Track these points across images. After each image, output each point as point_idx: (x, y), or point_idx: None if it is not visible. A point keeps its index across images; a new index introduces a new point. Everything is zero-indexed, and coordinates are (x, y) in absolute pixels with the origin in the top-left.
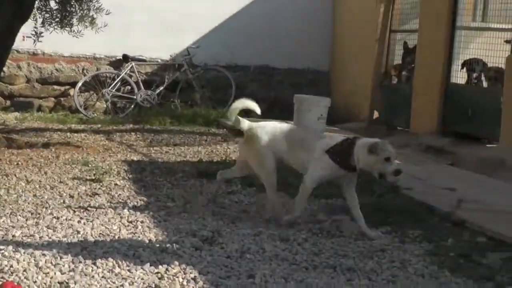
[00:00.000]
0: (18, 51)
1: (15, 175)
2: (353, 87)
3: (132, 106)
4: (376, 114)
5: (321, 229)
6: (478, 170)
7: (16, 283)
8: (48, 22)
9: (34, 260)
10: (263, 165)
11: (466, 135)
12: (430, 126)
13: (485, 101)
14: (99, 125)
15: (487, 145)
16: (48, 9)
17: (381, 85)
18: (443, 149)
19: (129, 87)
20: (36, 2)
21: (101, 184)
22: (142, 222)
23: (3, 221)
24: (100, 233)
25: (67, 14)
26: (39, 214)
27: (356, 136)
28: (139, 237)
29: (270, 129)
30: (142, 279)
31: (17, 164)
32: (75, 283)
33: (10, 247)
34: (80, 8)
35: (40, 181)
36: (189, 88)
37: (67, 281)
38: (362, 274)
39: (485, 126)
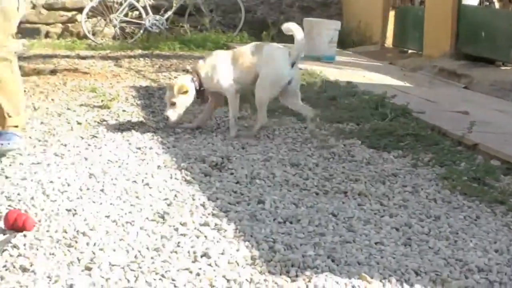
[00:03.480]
0: None
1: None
2: (365, 10)
3: (141, 31)
4: (389, 37)
5: (332, 154)
6: (491, 93)
7: (23, 211)
8: None
9: (42, 187)
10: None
11: (479, 58)
12: (443, 49)
13: (498, 23)
14: (108, 51)
15: (501, 68)
16: None
17: (393, 7)
18: (456, 72)
19: (137, 12)
20: None
21: (109, 110)
22: (150, 148)
23: None
24: (108, 160)
25: None
26: (46, 141)
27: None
28: (147, 163)
29: None
30: (151, 205)
31: (24, 91)
32: (83, 210)
33: (17, 175)
34: None
35: (47, 108)
36: (198, 13)
37: (74, 208)
38: (373, 199)
39: (498, 48)
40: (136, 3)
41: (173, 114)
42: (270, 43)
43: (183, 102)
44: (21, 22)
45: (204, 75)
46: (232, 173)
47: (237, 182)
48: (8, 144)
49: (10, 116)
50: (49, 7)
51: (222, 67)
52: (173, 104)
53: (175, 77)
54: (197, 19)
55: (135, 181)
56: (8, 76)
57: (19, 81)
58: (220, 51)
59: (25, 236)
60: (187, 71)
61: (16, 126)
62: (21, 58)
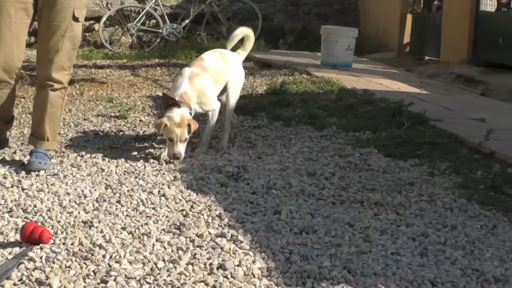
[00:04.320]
0: None
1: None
2: (382, 16)
3: (158, 40)
4: (406, 44)
5: (349, 163)
6: (509, 100)
7: (39, 223)
8: None
9: (58, 199)
10: None
11: (497, 64)
12: (460, 55)
13: None
14: (125, 60)
15: None
16: None
17: (411, 13)
18: (473, 78)
19: (154, 21)
20: None
21: (125, 120)
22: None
23: (27, 160)
24: (124, 171)
25: None
26: (63, 152)
27: (177, 103)
28: (164, 174)
29: None
30: (167, 217)
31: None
32: (99, 222)
33: (34, 187)
34: None
35: (64, 118)
36: (215, 21)
37: (91, 220)
38: (389, 208)
39: None
40: (153, 12)
41: (183, 151)
42: (224, 50)
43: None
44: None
45: (195, 105)
46: (248, 184)
47: (253, 193)
48: (45, 164)
49: (48, 140)
50: None
51: (209, 91)
52: (185, 140)
53: (166, 113)
54: (214, 27)
55: (151, 192)
56: (59, 103)
57: (63, 109)
58: (196, 72)
59: (41, 248)
60: (174, 103)
61: (48, 150)
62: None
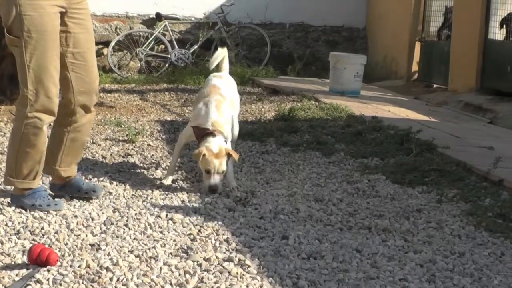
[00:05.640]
0: None
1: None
2: (391, 44)
3: (166, 65)
4: (414, 71)
5: (357, 189)
6: None
7: (47, 245)
8: None
9: (66, 222)
10: None
11: (505, 93)
12: (469, 83)
13: None
14: (133, 85)
15: None
16: None
17: (419, 41)
18: (482, 106)
19: (163, 46)
20: None
21: (134, 144)
22: (174, 182)
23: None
24: (132, 195)
25: None
26: None
27: (213, 132)
28: (171, 198)
29: None
30: (174, 240)
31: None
32: (106, 245)
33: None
34: None
35: None
36: (223, 47)
37: (98, 243)
38: (397, 234)
39: None
40: (162, 37)
41: (220, 183)
42: (226, 76)
43: None
44: None
45: (226, 133)
46: (256, 208)
47: (261, 218)
48: (56, 205)
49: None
50: None
51: (232, 118)
52: (222, 172)
53: (201, 143)
54: None
55: (159, 216)
56: None
57: None
58: (220, 100)
59: (48, 271)
60: (209, 133)
61: None
62: None
